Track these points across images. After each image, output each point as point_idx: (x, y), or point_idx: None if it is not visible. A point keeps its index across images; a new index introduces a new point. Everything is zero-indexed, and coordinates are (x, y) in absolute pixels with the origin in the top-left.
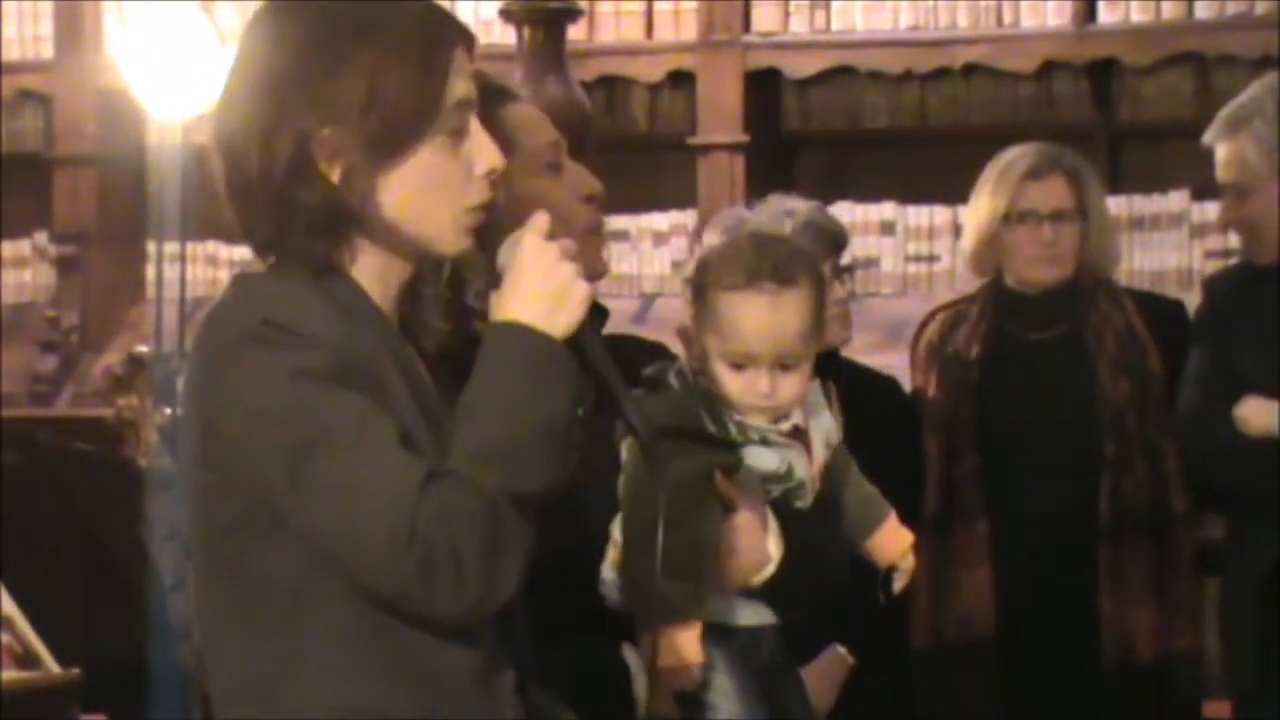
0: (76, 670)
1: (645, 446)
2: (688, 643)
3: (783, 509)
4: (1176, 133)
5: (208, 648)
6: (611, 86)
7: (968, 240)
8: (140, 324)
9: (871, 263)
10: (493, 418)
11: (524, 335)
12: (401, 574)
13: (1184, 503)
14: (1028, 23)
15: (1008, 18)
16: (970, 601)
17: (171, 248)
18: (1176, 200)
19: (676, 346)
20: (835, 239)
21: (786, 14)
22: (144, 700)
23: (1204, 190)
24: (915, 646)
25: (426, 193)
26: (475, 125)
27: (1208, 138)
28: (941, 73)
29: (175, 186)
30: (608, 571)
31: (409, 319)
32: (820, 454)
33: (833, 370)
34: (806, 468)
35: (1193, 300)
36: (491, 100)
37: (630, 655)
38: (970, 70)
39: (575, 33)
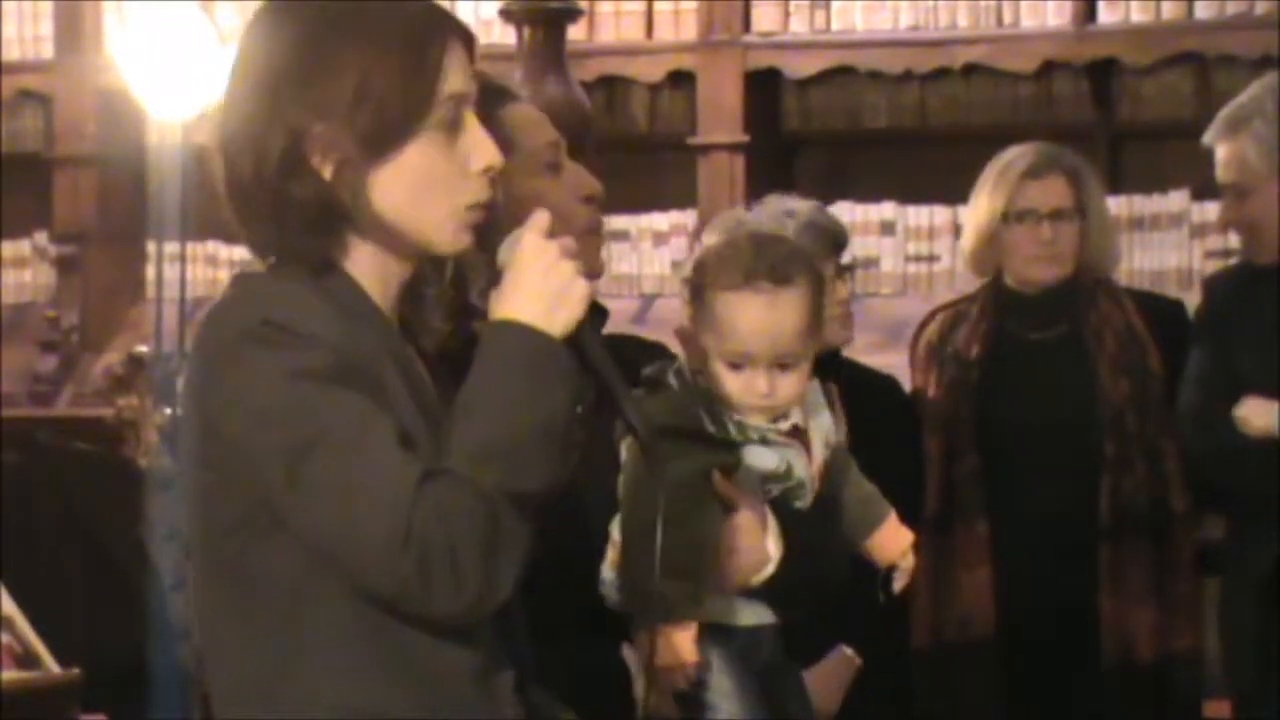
0: (76, 670)
1: (645, 446)
2: (684, 642)
3: (782, 509)
4: (1176, 133)
5: (207, 648)
6: (611, 86)
7: (967, 240)
8: (140, 324)
9: (871, 263)
10: (491, 416)
11: (523, 333)
12: (399, 573)
13: (1184, 503)
14: (1028, 23)
15: (1008, 18)
16: (970, 601)
17: (171, 248)
18: (1176, 200)
19: (676, 346)
20: (836, 239)
21: (786, 14)
22: (144, 700)
23: (1204, 190)
24: (915, 646)
25: (421, 188)
26: (473, 122)
27: (1208, 138)
28: (941, 73)
29: (175, 186)
30: (607, 571)
31: (410, 319)
32: (819, 453)
33: (834, 371)
34: (806, 467)
35: (1193, 300)
36: (491, 100)
37: (630, 655)
38: (970, 70)
39: (575, 33)
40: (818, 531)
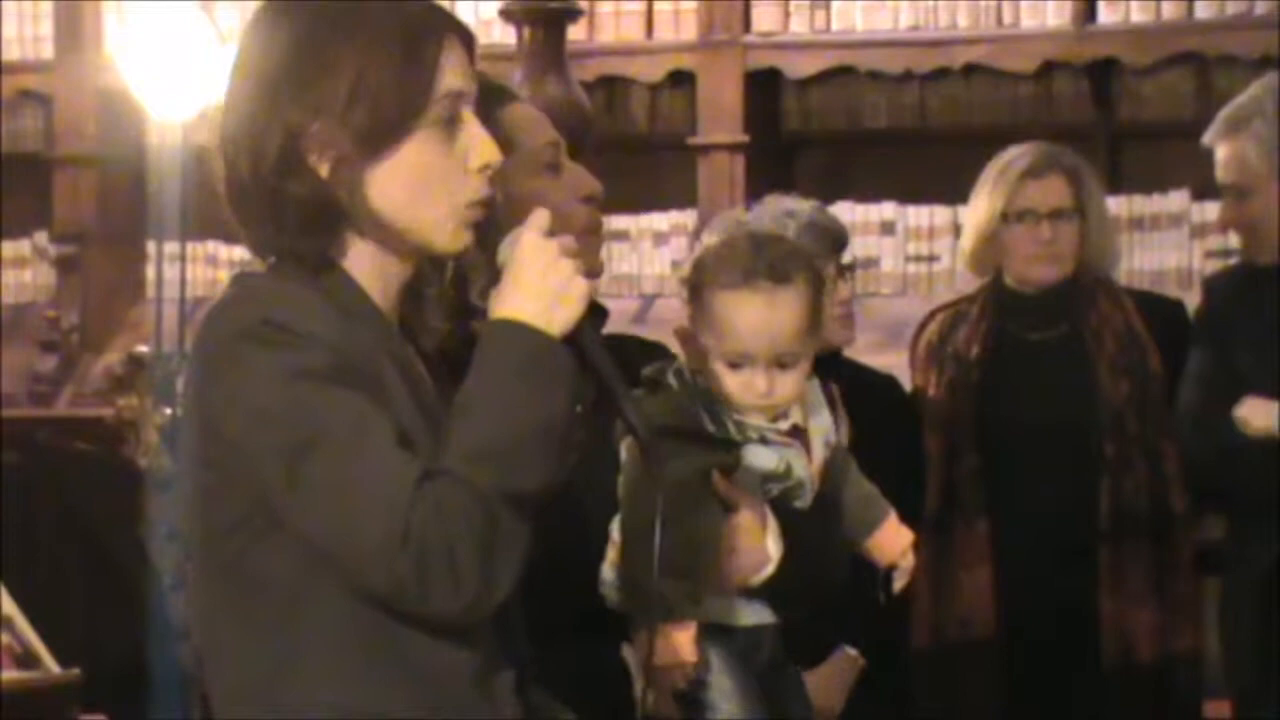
0: (76, 670)
1: (644, 446)
2: (684, 642)
3: (782, 508)
4: (1176, 133)
5: (207, 648)
6: (611, 86)
7: (967, 239)
8: (140, 324)
9: (871, 263)
10: (489, 416)
11: (522, 332)
12: (397, 573)
13: (1184, 503)
14: (1028, 23)
15: (1008, 18)
16: (970, 601)
17: (171, 248)
18: (1176, 200)
19: (676, 346)
20: (837, 239)
21: (786, 14)
22: (144, 700)
23: (1204, 190)
24: (915, 646)
25: (419, 186)
26: (471, 120)
27: (1208, 138)
28: (941, 73)
29: (175, 186)
30: (607, 571)
31: (409, 318)
32: (819, 453)
33: (834, 371)
34: (805, 467)
35: (1193, 300)
36: (491, 100)
37: (630, 655)
38: (970, 70)
39: (575, 33)
40: (817, 531)
